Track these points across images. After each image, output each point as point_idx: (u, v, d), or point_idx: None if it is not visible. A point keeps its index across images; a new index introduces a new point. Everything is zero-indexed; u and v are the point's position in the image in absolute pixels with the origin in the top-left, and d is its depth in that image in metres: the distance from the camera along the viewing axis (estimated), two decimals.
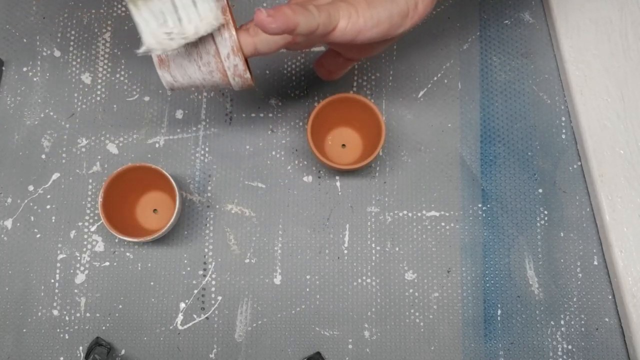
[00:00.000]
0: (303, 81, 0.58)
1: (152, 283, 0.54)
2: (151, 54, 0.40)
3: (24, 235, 0.55)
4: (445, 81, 0.58)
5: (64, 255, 0.55)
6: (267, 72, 0.58)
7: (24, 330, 0.54)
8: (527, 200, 0.55)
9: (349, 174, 0.56)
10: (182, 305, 0.54)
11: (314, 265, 0.55)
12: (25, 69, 0.58)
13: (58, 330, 0.54)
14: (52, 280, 0.55)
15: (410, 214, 0.55)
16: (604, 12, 0.57)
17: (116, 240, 0.55)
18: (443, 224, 0.55)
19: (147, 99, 0.58)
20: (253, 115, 0.57)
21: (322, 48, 0.58)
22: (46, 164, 0.56)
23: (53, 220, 0.55)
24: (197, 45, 0.40)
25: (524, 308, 0.54)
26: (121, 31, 0.59)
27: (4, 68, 0.58)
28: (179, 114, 0.57)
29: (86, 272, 0.55)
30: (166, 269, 0.55)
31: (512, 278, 0.54)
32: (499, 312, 0.54)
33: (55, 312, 0.54)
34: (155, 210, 0.55)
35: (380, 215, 0.55)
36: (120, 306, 0.54)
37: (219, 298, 0.54)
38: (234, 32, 0.40)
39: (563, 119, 0.57)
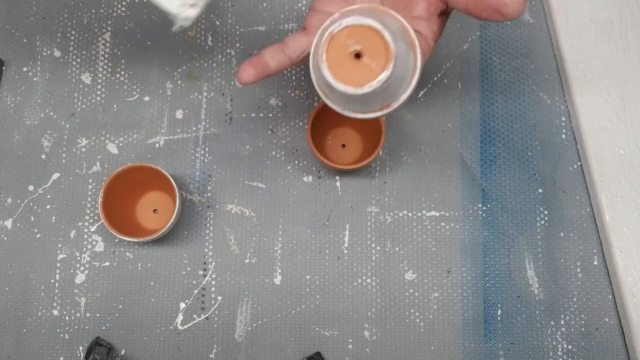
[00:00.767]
0: (303, 81, 0.58)
1: (152, 283, 0.54)
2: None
3: (24, 235, 0.55)
4: (445, 81, 0.58)
5: (64, 255, 0.55)
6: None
7: (24, 330, 0.54)
8: (527, 200, 0.55)
9: (349, 174, 0.56)
10: (182, 305, 0.54)
11: (314, 265, 0.55)
12: (25, 69, 0.58)
13: (58, 330, 0.54)
14: (52, 280, 0.55)
15: (410, 214, 0.55)
16: (604, 12, 0.57)
17: (116, 240, 0.55)
18: (443, 224, 0.55)
19: (147, 99, 0.58)
20: (253, 115, 0.57)
21: None
22: (46, 164, 0.56)
23: (53, 220, 0.55)
24: None
25: (524, 308, 0.54)
26: (121, 31, 0.59)
27: (4, 68, 0.58)
28: (179, 114, 0.57)
29: (86, 272, 0.55)
30: (166, 269, 0.55)
31: (512, 278, 0.54)
32: (499, 312, 0.54)
33: (55, 312, 0.54)
34: (155, 210, 0.55)
35: (380, 215, 0.55)
36: (120, 306, 0.54)
37: (219, 298, 0.54)
38: None
39: (563, 119, 0.57)
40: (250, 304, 0.54)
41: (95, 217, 0.56)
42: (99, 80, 0.58)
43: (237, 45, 0.58)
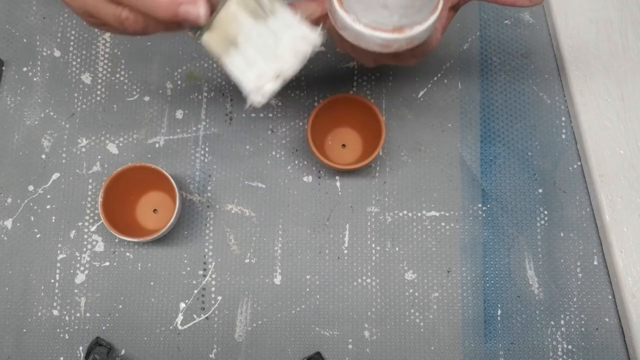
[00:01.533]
0: (303, 81, 0.58)
1: (152, 283, 0.54)
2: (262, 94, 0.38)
3: (24, 235, 0.55)
4: (445, 81, 0.58)
5: (64, 255, 0.55)
6: None
7: (24, 330, 0.54)
8: (527, 200, 0.55)
9: (349, 174, 0.56)
10: (182, 305, 0.54)
11: (314, 265, 0.55)
12: (25, 69, 0.58)
13: (58, 330, 0.54)
14: (52, 280, 0.55)
15: (410, 214, 0.55)
16: (604, 12, 0.57)
17: (116, 240, 0.55)
18: (443, 224, 0.55)
19: (147, 99, 0.58)
20: (253, 115, 0.57)
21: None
22: (46, 164, 0.56)
23: (53, 220, 0.55)
24: None
25: (524, 308, 0.54)
26: None
27: (4, 68, 0.58)
28: (179, 114, 0.57)
29: (86, 272, 0.55)
30: (166, 269, 0.55)
31: (512, 278, 0.54)
32: (499, 312, 0.54)
33: (55, 312, 0.54)
34: (155, 210, 0.55)
35: (380, 215, 0.55)
36: (120, 306, 0.54)
37: (219, 298, 0.54)
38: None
39: (563, 119, 0.57)
40: (250, 304, 0.54)
41: (95, 217, 0.56)
42: (99, 80, 0.58)
43: None
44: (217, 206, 0.56)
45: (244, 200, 0.56)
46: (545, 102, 0.57)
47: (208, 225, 0.55)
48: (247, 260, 0.55)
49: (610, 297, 0.54)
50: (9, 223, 0.55)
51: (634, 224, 0.53)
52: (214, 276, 0.54)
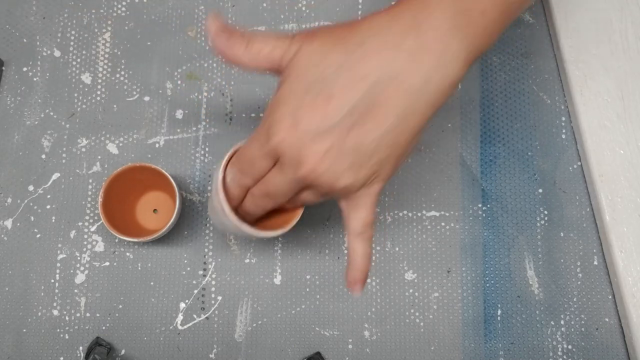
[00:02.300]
0: None
1: (152, 283, 0.54)
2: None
3: (24, 235, 0.55)
4: None
5: (64, 255, 0.55)
6: (267, 72, 0.58)
7: (24, 330, 0.54)
8: (527, 200, 0.55)
9: None
10: (182, 305, 0.54)
11: (314, 265, 0.55)
12: (25, 69, 0.58)
13: (58, 330, 0.54)
14: (52, 280, 0.55)
15: (410, 214, 0.55)
16: (604, 12, 0.57)
17: (116, 240, 0.55)
18: (443, 224, 0.55)
19: (147, 99, 0.58)
20: (253, 115, 0.57)
21: None
22: (46, 164, 0.56)
23: (53, 220, 0.55)
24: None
25: (524, 308, 0.54)
26: (121, 31, 0.59)
27: (4, 68, 0.58)
28: (179, 114, 0.57)
29: (86, 272, 0.55)
30: (166, 269, 0.55)
31: (512, 278, 0.54)
32: (499, 312, 0.54)
33: (55, 312, 0.54)
34: (155, 210, 0.55)
35: (380, 215, 0.55)
36: (120, 306, 0.54)
37: (219, 298, 0.54)
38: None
39: (563, 119, 0.57)
40: (250, 304, 0.54)
41: (95, 217, 0.56)
42: (99, 80, 0.58)
43: None
44: None
45: None
46: (545, 102, 0.57)
47: (208, 225, 0.55)
48: (247, 260, 0.55)
49: (610, 297, 0.54)
50: (9, 223, 0.55)
51: (634, 224, 0.53)
52: (214, 276, 0.54)
